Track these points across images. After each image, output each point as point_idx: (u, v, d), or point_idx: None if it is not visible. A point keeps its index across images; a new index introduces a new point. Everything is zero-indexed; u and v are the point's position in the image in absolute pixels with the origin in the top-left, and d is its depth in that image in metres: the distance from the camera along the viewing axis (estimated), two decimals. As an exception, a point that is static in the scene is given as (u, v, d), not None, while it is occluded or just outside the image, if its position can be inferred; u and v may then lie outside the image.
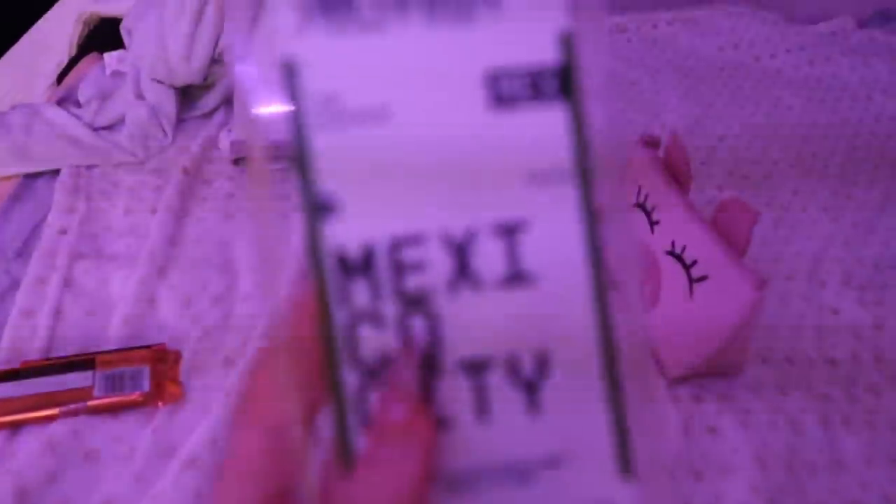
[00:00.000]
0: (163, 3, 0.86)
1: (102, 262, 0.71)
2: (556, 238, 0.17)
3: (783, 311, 0.81)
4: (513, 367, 0.17)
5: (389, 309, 0.17)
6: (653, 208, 0.74)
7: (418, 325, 0.17)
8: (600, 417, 0.18)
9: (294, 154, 0.17)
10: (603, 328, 0.18)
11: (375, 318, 0.17)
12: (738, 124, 1.11)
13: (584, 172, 0.17)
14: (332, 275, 0.17)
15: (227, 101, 0.93)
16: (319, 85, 0.17)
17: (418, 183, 0.17)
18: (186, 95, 0.93)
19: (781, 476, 0.63)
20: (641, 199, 0.76)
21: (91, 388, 0.58)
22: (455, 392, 0.17)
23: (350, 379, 0.17)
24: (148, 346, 0.61)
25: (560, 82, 0.17)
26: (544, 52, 0.17)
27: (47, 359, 0.61)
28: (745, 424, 0.67)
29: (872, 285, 0.86)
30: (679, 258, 0.69)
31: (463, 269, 0.17)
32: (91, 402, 0.58)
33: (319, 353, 0.17)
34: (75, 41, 1.00)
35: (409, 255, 0.17)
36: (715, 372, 0.71)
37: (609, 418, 0.18)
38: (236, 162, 0.85)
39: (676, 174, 0.73)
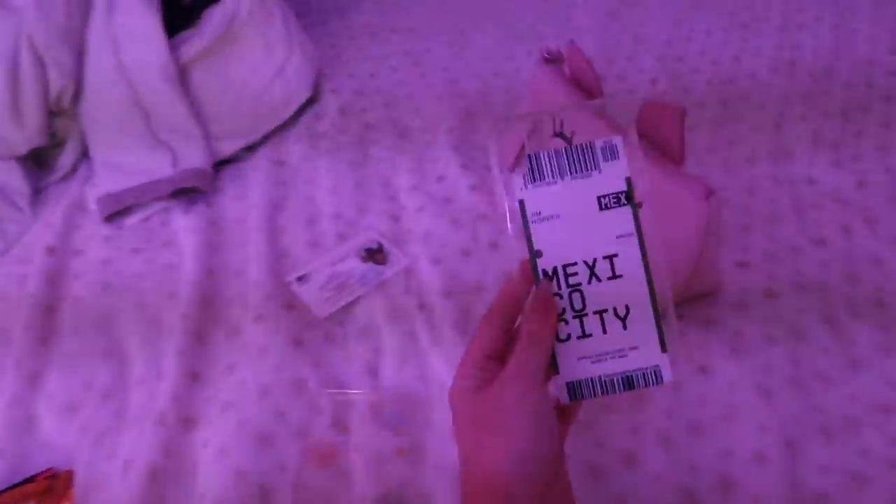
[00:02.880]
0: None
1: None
2: (631, 263, 0.38)
3: (753, 200, 0.70)
4: (617, 314, 0.38)
5: (564, 290, 0.38)
6: (572, 135, 0.63)
7: (576, 298, 0.37)
8: (652, 329, 0.37)
9: (526, 231, 0.38)
10: (653, 302, 0.37)
11: (558, 294, 0.38)
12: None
13: (640, 235, 0.38)
14: (543, 278, 0.38)
15: (85, 154, 0.82)
16: (531, 208, 0.38)
17: (571, 242, 0.38)
18: (39, 161, 0.82)
19: (790, 400, 0.54)
20: (558, 127, 0.65)
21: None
22: (593, 322, 0.37)
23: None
24: (32, 478, 0.52)
25: (627, 197, 0.38)
26: (619, 185, 0.38)
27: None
28: (736, 352, 0.57)
29: (846, 138, 0.75)
30: (612, 185, 0.58)
31: (592, 272, 0.37)
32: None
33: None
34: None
35: (570, 270, 0.37)
36: (692, 298, 0.61)
37: (656, 331, 0.37)
38: (108, 219, 0.75)
39: (587, 89, 0.62)
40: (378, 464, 0.53)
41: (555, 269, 0.37)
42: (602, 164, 0.37)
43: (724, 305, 0.61)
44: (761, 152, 0.75)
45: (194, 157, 0.78)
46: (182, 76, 0.80)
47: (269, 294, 0.65)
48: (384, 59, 0.96)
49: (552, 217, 0.37)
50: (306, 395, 0.58)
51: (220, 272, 0.69)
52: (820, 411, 0.53)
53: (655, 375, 0.37)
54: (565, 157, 0.38)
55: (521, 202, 0.38)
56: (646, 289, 0.37)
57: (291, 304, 0.65)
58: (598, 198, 0.37)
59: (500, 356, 0.37)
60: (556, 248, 0.37)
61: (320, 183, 0.78)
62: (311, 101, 0.89)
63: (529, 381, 0.35)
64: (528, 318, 0.36)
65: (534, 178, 0.38)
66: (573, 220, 0.37)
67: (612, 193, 0.37)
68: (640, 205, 0.38)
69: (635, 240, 0.37)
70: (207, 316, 0.65)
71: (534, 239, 0.38)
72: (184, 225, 0.74)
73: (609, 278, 0.37)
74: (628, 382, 0.37)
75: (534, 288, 0.37)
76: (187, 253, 0.71)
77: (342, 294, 0.65)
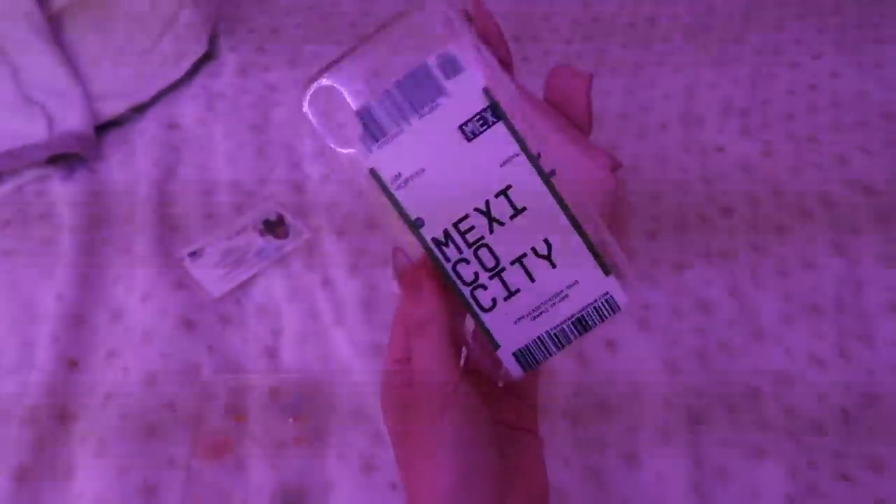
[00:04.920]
0: None
1: None
2: (528, 187, 0.31)
3: (663, 168, 0.70)
4: (538, 253, 0.31)
5: (467, 252, 0.31)
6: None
7: (483, 254, 0.31)
8: (586, 255, 0.31)
9: (393, 204, 0.31)
10: (574, 223, 0.31)
11: (463, 260, 0.32)
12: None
13: (526, 150, 0.31)
14: (436, 250, 0.31)
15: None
16: (387, 174, 0.31)
17: (451, 194, 0.31)
18: None
19: (696, 372, 0.54)
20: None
21: None
22: (515, 274, 0.32)
23: (461, 286, 0.32)
24: None
25: (493, 113, 0.30)
26: (478, 102, 0.30)
27: None
28: (644, 325, 0.57)
29: (755, 107, 0.75)
30: (522, 154, 0.56)
31: (490, 217, 0.31)
32: None
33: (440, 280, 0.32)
34: None
35: (464, 226, 0.31)
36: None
37: (591, 255, 0.31)
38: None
39: (493, 49, 0.59)
40: (277, 452, 0.50)
41: (446, 233, 0.31)
42: (447, 85, 0.30)
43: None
44: (673, 119, 0.74)
45: (73, 119, 0.70)
46: (55, 28, 0.72)
47: (157, 271, 0.60)
48: (288, 14, 0.90)
49: (416, 173, 0.30)
50: (198, 382, 0.54)
51: (102, 248, 0.63)
52: (724, 384, 0.53)
53: (608, 305, 0.31)
54: (399, 93, 0.30)
55: (372, 171, 0.30)
56: (559, 211, 0.31)
57: (182, 283, 0.60)
58: (460, 127, 0.30)
59: None
60: (436, 208, 0.31)
61: (216, 149, 0.72)
62: (206, 58, 0.82)
63: (438, 381, 0.29)
64: (407, 304, 0.31)
65: (374, 136, 0.30)
66: (443, 166, 0.30)
67: (474, 115, 0.30)
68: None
69: (523, 159, 0.30)
70: (87, 296, 0.59)
71: (405, 208, 0.31)
72: (62, 195, 0.67)
73: (512, 217, 0.31)
74: (581, 324, 0.32)
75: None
76: (66, 226, 0.64)
77: (239, 270, 0.61)
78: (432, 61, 0.30)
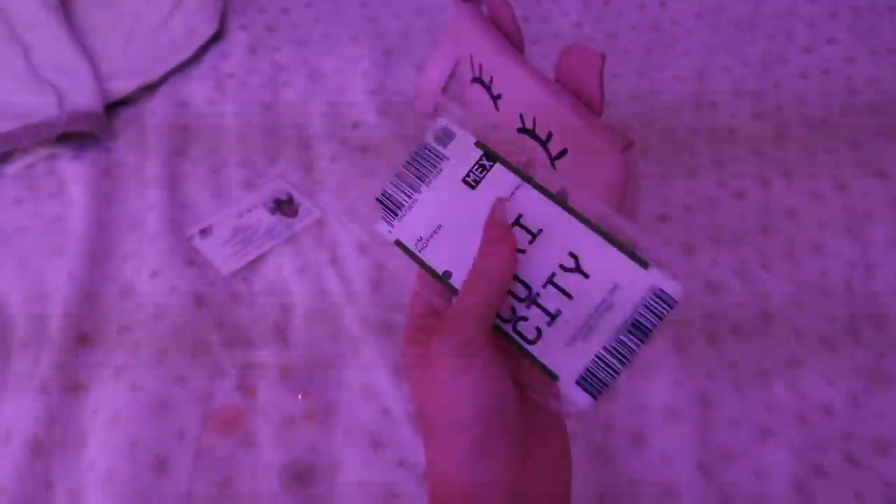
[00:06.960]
0: None
1: None
2: (538, 209, 0.32)
3: (674, 150, 0.69)
4: (566, 268, 0.31)
5: None
6: (490, 80, 0.60)
7: (514, 286, 0.31)
8: (614, 254, 0.30)
9: (421, 265, 0.32)
10: (593, 227, 0.31)
11: None
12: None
13: (527, 178, 0.33)
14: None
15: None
16: (410, 241, 0.33)
17: (470, 240, 0.31)
18: None
19: (704, 353, 0.54)
20: (476, 71, 0.61)
21: None
22: (551, 297, 0.31)
23: (502, 323, 0.32)
24: None
25: (488, 157, 0.33)
26: (474, 154, 0.34)
27: None
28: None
29: (767, 90, 0.75)
30: (532, 134, 0.56)
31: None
32: None
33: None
34: None
35: None
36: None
37: (620, 253, 0.30)
38: None
39: (504, 29, 0.58)
40: (286, 428, 0.51)
41: None
42: (446, 151, 0.34)
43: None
44: (685, 102, 0.74)
45: (83, 98, 0.71)
46: (65, 7, 0.72)
47: (167, 249, 0.61)
48: (298, -7, 0.90)
49: (435, 232, 0.32)
50: (209, 358, 0.54)
51: (114, 225, 0.63)
52: (732, 365, 0.53)
53: (660, 299, 0.29)
54: (408, 171, 0.34)
55: (397, 242, 0.33)
56: (575, 221, 0.31)
57: (193, 260, 0.60)
58: (463, 180, 0.33)
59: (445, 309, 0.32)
60: (459, 256, 0.32)
61: (226, 128, 0.72)
62: (216, 38, 0.82)
63: (467, 337, 0.28)
64: (479, 254, 0.30)
65: (394, 213, 0.33)
66: (456, 218, 0.32)
67: (473, 166, 0.33)
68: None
69: (526, 187, 0.32)
70: (98, 273, 0.59)
71: (433, 265, 0.32)
72: (73, 173, 0.67)
73: (531, 242, 0.31)
74: (637, 329, 0.29)
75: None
76: (77, 204, 0.65)
77: (248, 248, 0.61)
78: (429, 137, 0.34)
